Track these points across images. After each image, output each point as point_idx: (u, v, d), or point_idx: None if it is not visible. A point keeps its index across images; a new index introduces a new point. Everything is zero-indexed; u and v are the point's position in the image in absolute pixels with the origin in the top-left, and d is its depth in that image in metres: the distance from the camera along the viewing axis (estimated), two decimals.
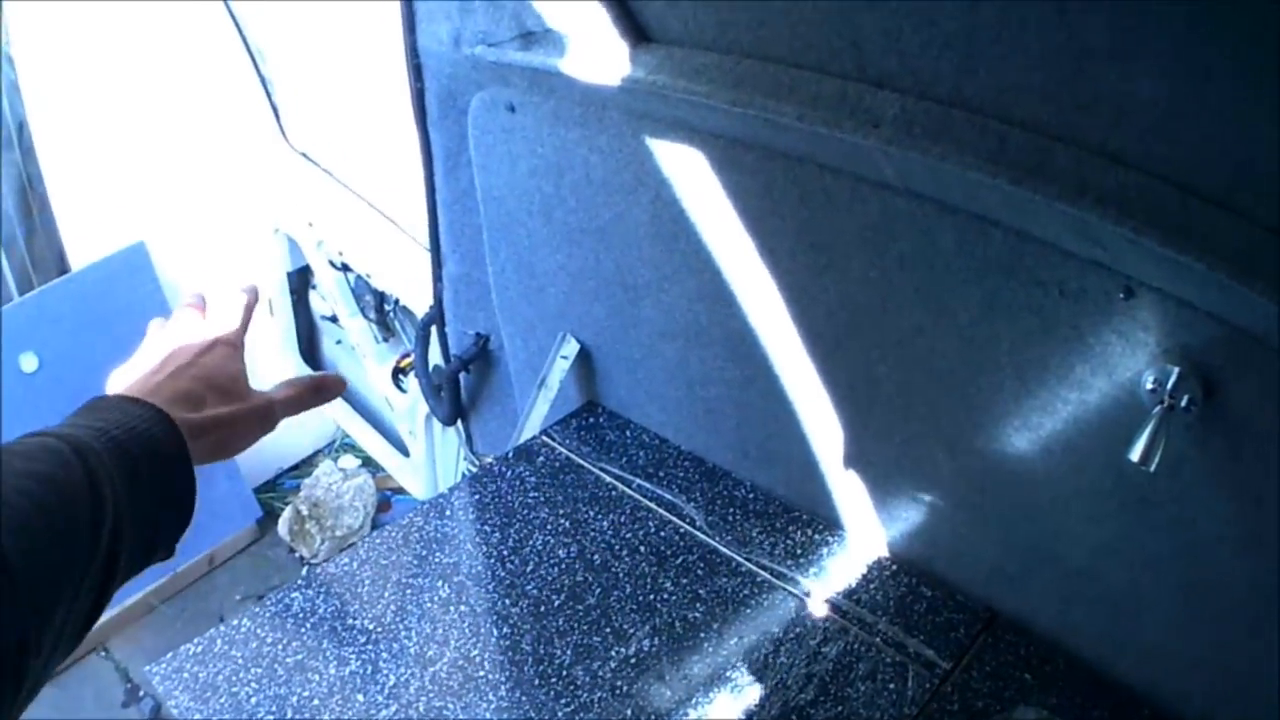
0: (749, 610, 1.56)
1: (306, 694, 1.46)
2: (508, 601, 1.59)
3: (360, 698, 1.46)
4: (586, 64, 1.46)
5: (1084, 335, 1.18)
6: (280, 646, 1.53)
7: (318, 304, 3.27)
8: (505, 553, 1.68)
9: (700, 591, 1.59)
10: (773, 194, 1.40)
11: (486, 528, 1.74)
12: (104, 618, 0.74)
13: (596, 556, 1.66)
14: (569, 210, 1.72)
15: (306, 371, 3.32)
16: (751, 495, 1.76)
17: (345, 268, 2.88)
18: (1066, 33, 0.98)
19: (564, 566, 1.64)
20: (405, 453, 3.01)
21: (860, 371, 1.48)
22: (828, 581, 1.60)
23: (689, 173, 1.48)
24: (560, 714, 1.42)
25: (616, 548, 1.67)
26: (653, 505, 1.75)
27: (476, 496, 1.82)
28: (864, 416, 1.53)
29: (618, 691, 1.44)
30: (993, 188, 1.09)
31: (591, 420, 1.97)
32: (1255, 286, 0.96)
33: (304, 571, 3.28)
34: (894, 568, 1.61)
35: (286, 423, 0.97)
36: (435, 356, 2.30)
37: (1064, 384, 1.24)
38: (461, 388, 2.29)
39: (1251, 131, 0.93)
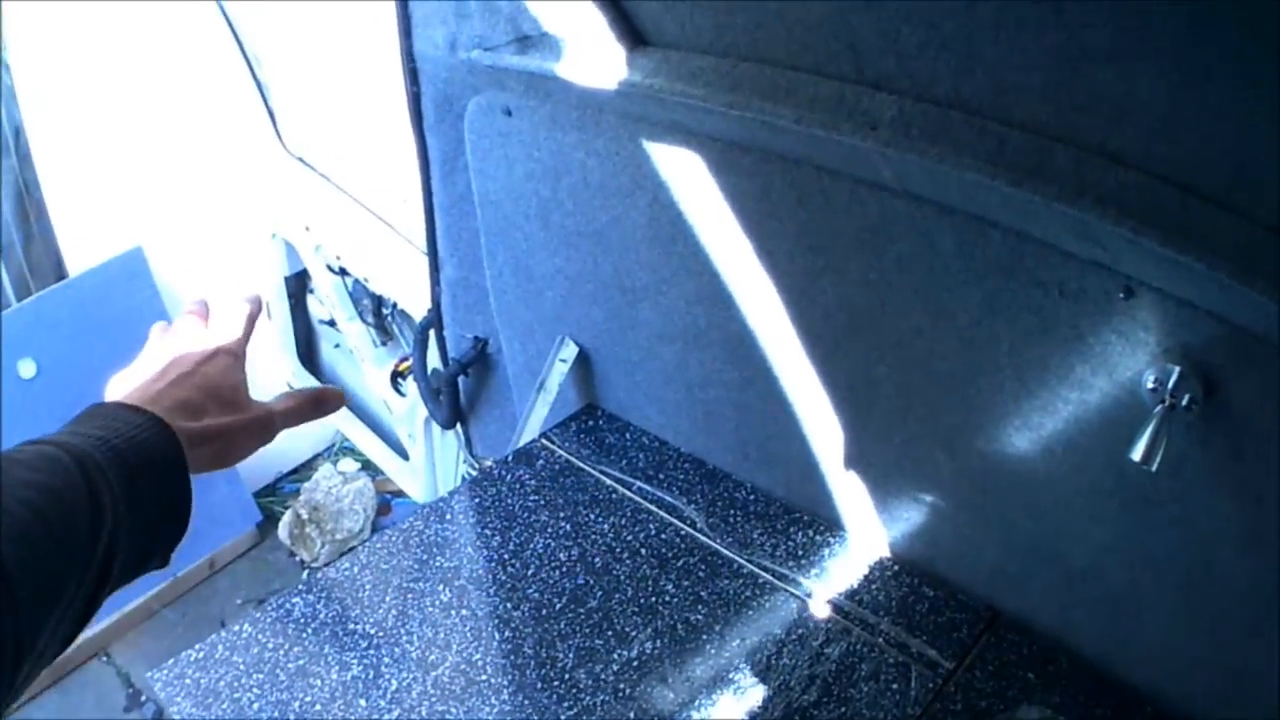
0: (751, 612, 1.56)
1: (308, 699, 1.46)
2: (509, 605, 1.59)
3: (362, 703, 1.45)
4: (583, 68, 1.46)
5: (1084, 335, 1.18)
6: (282, 652, 1.53)
7: (315, 308, 3.26)
8: (506, 556, 1.68)
9: (702, 594, 1.59)
10: (770, 196, 1.40)
11: (487, 531, 1.74)
12: (105, 623, 0.74)
13: (597, 559, 1.65)
14: (566, 214, 1.72)
15: (304, 375, 3.32)
16: (752, 497, 1.76)
17: (343, 272, 2.88)
18: (1065, 33, 0.98)
19: (565, 569, 1.64)
20: (404, 456, 3.00)
21: (860, 373, 1.48)
22: (829, 582, 1.60)
23: (686, 176, 1.48)
24: (563, 717, 1.42)
25: (617, 550, 1.67)
26: (653, 508, 1.75)
27: (476, 500, 1.81)
28: (864, 417, 1.53)
29: (620, 694, 1.44)
30: (992, 189, 1.09)
31: (591, 423, 1.97)
32: (1255, 285, 0.96)
33: (304, 576, 3.28)
34: (896, 568, 1.61)
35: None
36: (434, 360, 2.30)
37: (1064, 384, 1.24)
38: (460, 391, 2.29)
39: (1251, 131, 0.93)
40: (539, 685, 1.46)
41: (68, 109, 2.90)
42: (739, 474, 1.80)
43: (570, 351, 1.91)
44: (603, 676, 1.47)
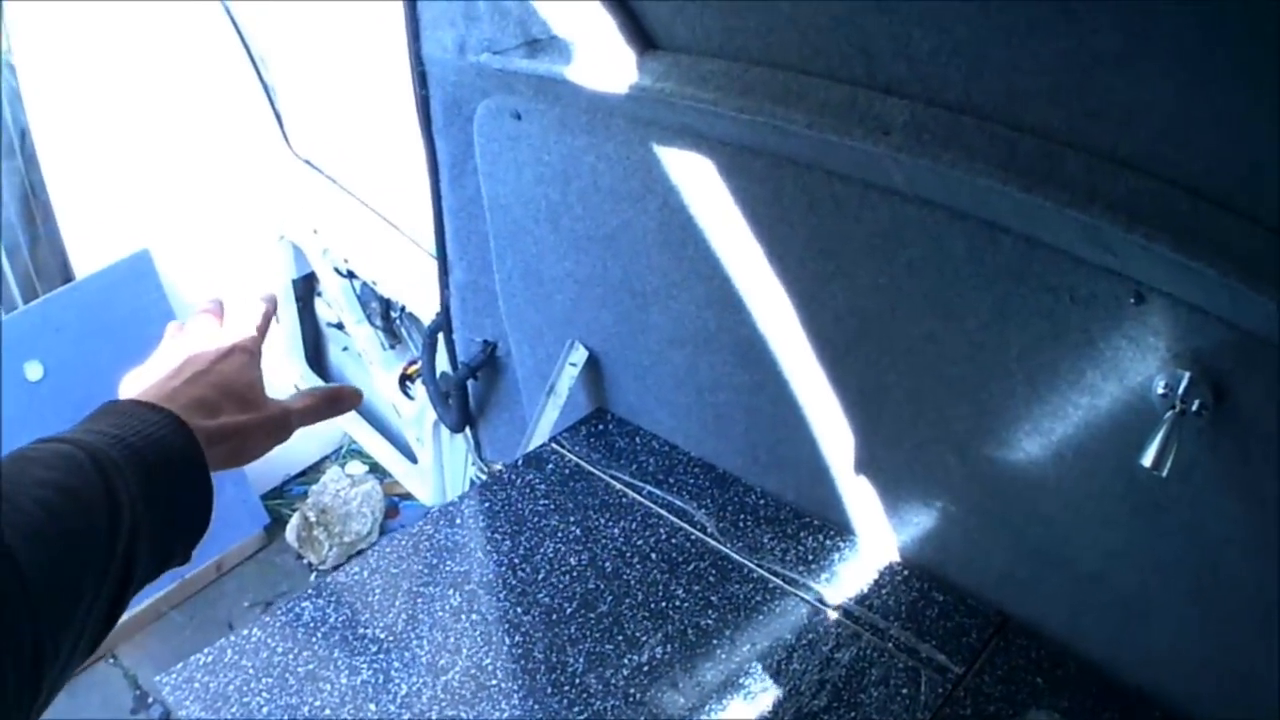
0: (761, 617, 1.56)
1: (318, 704, 1.46)
2: (519, 609, 1.59)
3: (372, 707, 1.45)
4: (593, 71, 1.46)
5: (1095, 340, 1.18)
6: (291, 656, 1.53)
7: (323, 311, 3.26)
8: (516, 560, 1.68)
9: (712, 598, 1.59)
10: (781, 201, 1.40)
11: (497, 535, 1.74)
12: None
13: (608, 564, 1.65)
14: (576, 217, 1.72)
15: (312, 378, 3.32)
16: (762, 501, 1.76)
17: (351, 274, 2.88)
18: (1075, 38, 0.98)
19: (575, 574, 1.64)
20: (413, 459, 3.00)
21: (870, 377, 1.48)
22: (839, 587, 1.60)
23: (697, 180, 1.48)
24: None
25: (628, 555, 1.67)
26: (663, 512, 1.75)
27: (486, 504, 1.82)
28: (874, 422, 1.53)
29: (631, 699, 1.44)
30: (1003, 194, 1.09)
31: (601, 427, 1.97)
32: (1266, 291, 0.96)
33: (312, 579, 3.28)
34: (905, 573, 1.61)
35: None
36: (442, 363, 2.30)
37: (1075, 389, 1.24)
38: (469, 395, 2.29)
39: (1261, 136, 0.93)
40: (549, 690, 1.46)
41: (73, 111, 2.91)
42: (749, 478, 1.80)
43: (580, 355, 1.91)
44: (613, 681, 1.47)
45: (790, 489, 1.74)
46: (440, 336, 2.24)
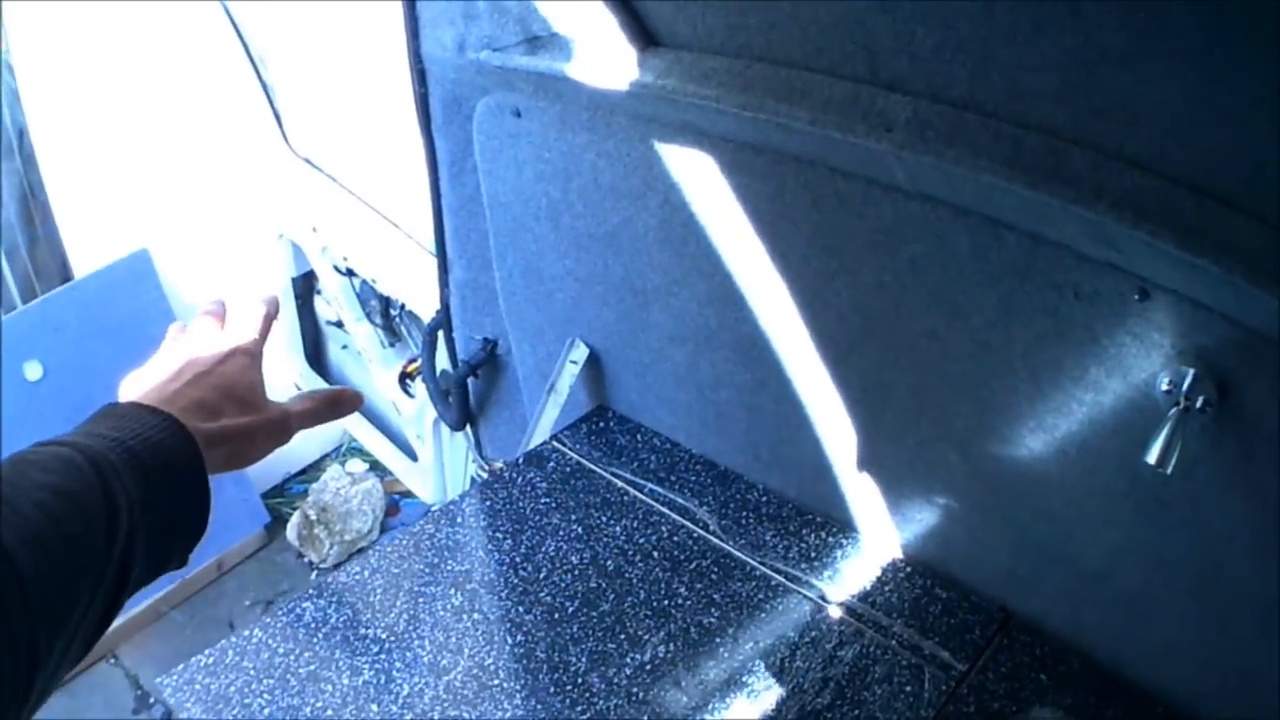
0: (764, 614, 1.55)
1: (320, 705, 1.46)
2: (521, 609, 1.59)
3: (374, 708, 1.45)
4: (593, 68, 1.45)
5: (1099, 337, 1.18)
6: (292, 657, 1.53)
7: (323, 309, 3.26)
8: (518, 559, 1.67)
9: (715, 596, 1.58)
10: (784, 198, 1.39)
11: (498, 534, 1.73)
12: (113, 625, 0.74)
13: (610, 562, 1.65)
14: (576, 215, 1.71)
15: (312, 376, 3.32)
16: (764, 499, 1.76)
17: (350, 273, 2.88)
18: (1081, 36, 0.97)
19: (577, 573, 1.64)
20: (413, 457, 3.00)
21: (873, 375, 1.48)
22: (842, 584, 1.59)
23: (698, 177, 1.48)
24: None
25: (630, 553, 1.67)
26: (665, 510, 1.75)
27: (487, 503, 1.81)
28: (876, 419, 1.53)
29: (634, 698, 1.44)
30: (1008, 191, 1.08)
31: (602, 425, 1.96)
32: (1270, 288, 0.96)
33: (313, 577, 3.28)
34: (908, 570, 1.61)
35: None
36: (442, 361, 2.30)
37: (1078, 386, 1.23)
38: (469, 393, 2.28)
39: (1266, 133, 0.93)
40: (552, 689, 1.46)
41: (72, 110, 2.90)
42: (751, 475, 1.80)
43: (581, 353, 1.91)
44: (615, 680, 1.47)
45: (792, 486, 1.74)
46: (440, 334, 2.24)
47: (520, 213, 1.81)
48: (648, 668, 1.48)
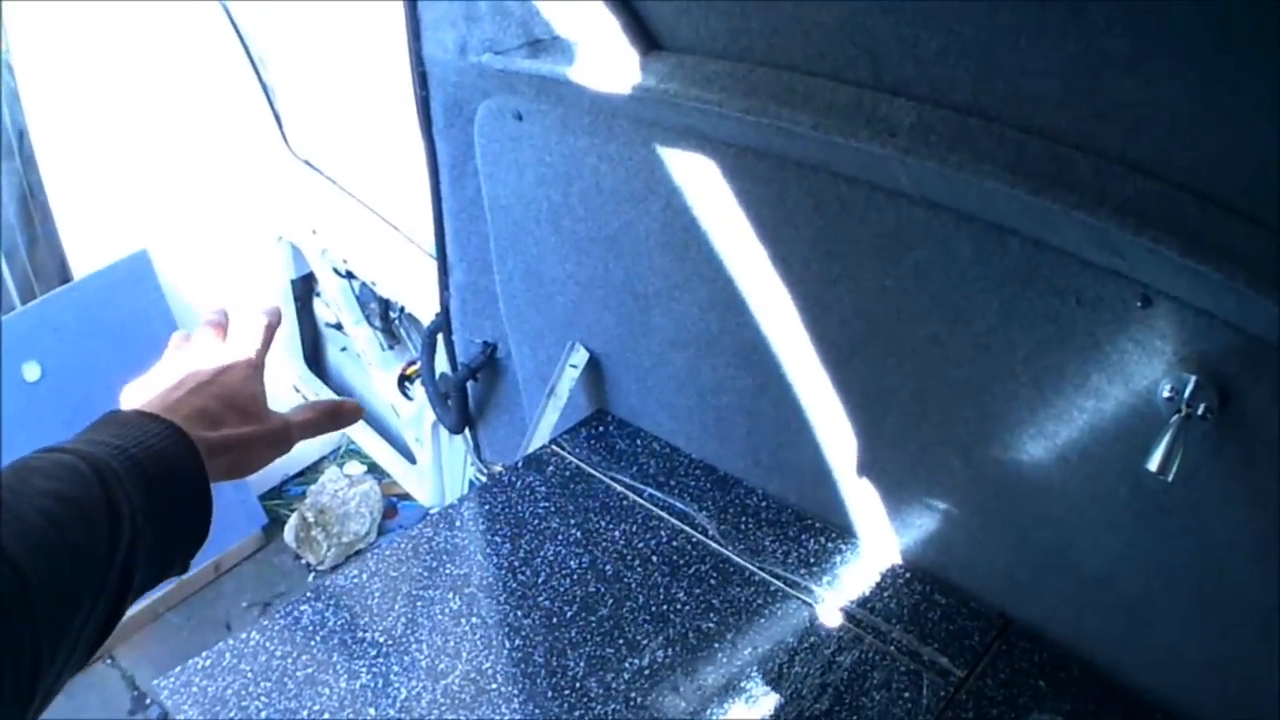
0: (763, 620, 1.55)
1: (317, 708, 1.45)
2: (519, 613, 1.58)
3: (371, 711, 1.45)
4: (596, 72, 1.45)
5: (1101, 344, 1.17)
6: (290, 660, 1.52)
7: (322, 311, 3.25)
8: (516, 564, 1.67)
9: (713, 601, 1.58)
10: (786, 202, 1.39)
11: (497, 538, 1.73)
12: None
13: (608, 567, 1.65)
14: (578, 219, 1.71)
15: (311, 379, 3.31)
16: (764, 503, 1.76)
17: (350, 275, 2.88)
18: (1084, 40, 0.97)
19: (576, 577, 1.63)
20: (412, 459, 3.00)
21: (874, 380, 1.48)
22: (841, 590, 1.59)
23: (700, 181, 1.48)
24: None
25: (629, 558, 1.66)
26: (664, 514, 1.74)
27: (486, 507, 1.81)
28: (878, 424, 1.53)
29: (632, 703, 1.44)
30: (1011, 197, 1.08)
31: (601, 429, 1.96)
32: (1273, 295, 0.96)
33: (310, 579, 3.28)
34: (907, 575, 1.61)
35: None
36: (442, 364, 2.29)
37: (1080, 392, 1.23)
38: (469, 396, 2.28)
39: (1270, 139, 0.93)
40: (550, 694, 1.46)
41: (71, 111, 2.90)
42: (751, 480, 1.80)
43: (581, 357, 1.91)
44: (614, 685, 1.46)
45: (792, 491, 1.74)
46: (440, 337, 2.24)
47: (521, 216, 1.81)
48: (646, 673, 1.48)
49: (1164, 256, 1.00)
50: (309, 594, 1.63)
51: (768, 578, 1.62)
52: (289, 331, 3.27)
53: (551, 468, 1.87)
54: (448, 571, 1.66)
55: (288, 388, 3.27)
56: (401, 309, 2.80)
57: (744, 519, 1.73)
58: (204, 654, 1.53)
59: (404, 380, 2.85)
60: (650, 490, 1.79)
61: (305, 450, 3.62)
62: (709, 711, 1.42)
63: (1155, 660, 1.39)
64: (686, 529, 1.71)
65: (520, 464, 1.89)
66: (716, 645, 1.51)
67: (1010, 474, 1.39)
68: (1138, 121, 1.00)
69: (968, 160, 1.10)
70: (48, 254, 3.17)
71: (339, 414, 1.01)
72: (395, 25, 1.74)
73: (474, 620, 1.58)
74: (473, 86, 1.71)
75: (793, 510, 1.73)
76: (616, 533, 1.71)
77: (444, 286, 2.11)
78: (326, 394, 3.27)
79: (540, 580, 1.63)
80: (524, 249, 1.86)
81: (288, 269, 3.12)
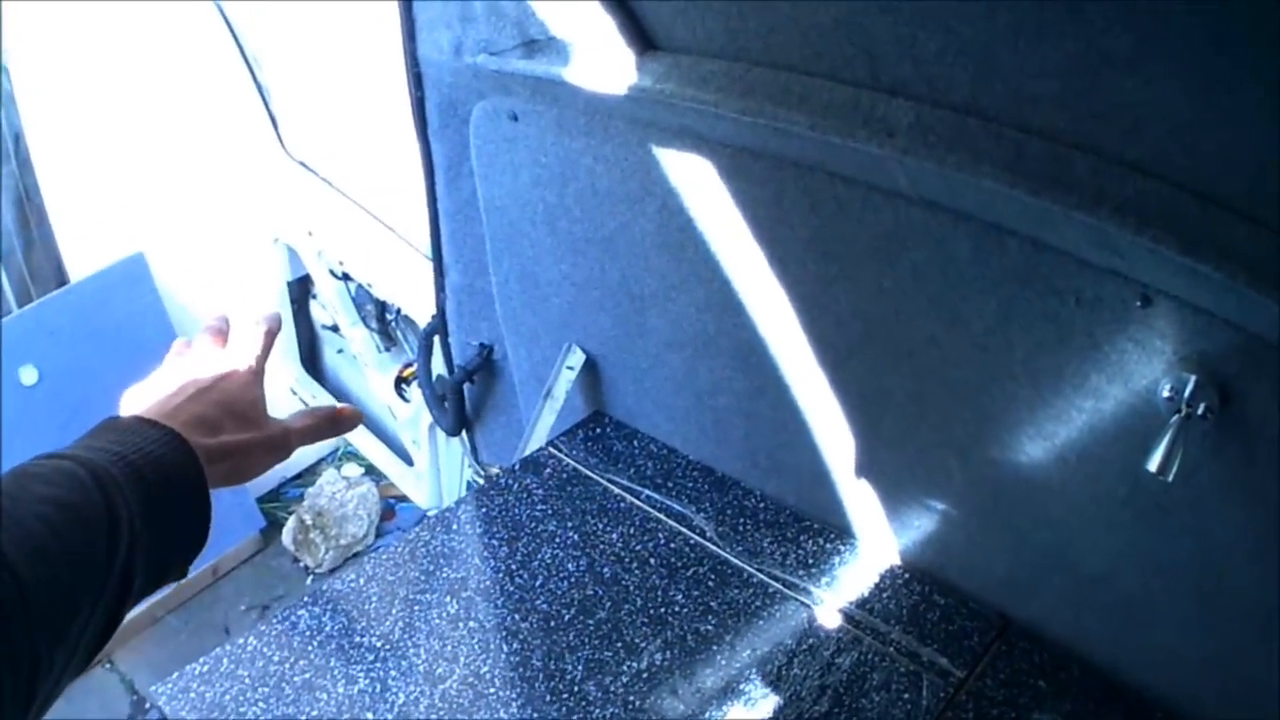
0: (761, 622, 1.55)
1: (315, 713, 1.45)
2: (517, 616, 1.58)
3: (369, 716, 1.44)
4: (591, 72, 1.44)
5: (1100, 344, 1.17)
6: (287, 665, 1.52)
7: (318, 313, 3.25)
8: (514, 567, 1.66)
9: (712, 603, 1.57)
10: (783, 203, 1.39)
11: (494, 541, 1.72)
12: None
13: (606, 569, 1.64)
14: (573, 220, 1.71)
15: (307, 381, 3.31)
16: (762, 505, 1.75)
17: (346, 277, 2.87)
18: (1084, 41, 0.97)
19: (573, 580, 1.63)
20: (409, 461, 2.99)
21: (872, 381, 1.47)
22: (840, 591, 1.59)
23: (696, 182, 1.47)
24: None
25: (626, 560, 1.66)
26: (662, 516, 1.74)
27: (483, 510, 1.80)
28: (875, 425, 1.52)
29: (630, 706, 1.43)
30: (1010, 197, 1.08)
31: (598, 430, 1.96)
32: (1272, 294, 0.96)
33: (308, 582, 3.27)
34: (906, 576, 1.60)
35: None
36: (438, 366, 2.29)
37: (1079, 393, 1.23)
38: (465, 398, 2.28)
39: (1269, 139, 0.92)
40: (548, 698, 1.45)
41: (68, 113, 2.89)
42: (749, 482, 1.79)
43: (577, 359, 1.90)
44: (612, 688, 1.46)
45: (790, 492, 1.73)
46: (436, 339, 2.23)
47: (517, 217, 1.81)
48: (644, 675, 1.47)
49: (1164, 256, 1.00)
50: (306, 599, 1.63)
51: (766, 579, 1.61)
52: (285, 334, 3.26)
53: (549, 470, 1.86)
54: (445, 575, 1.66)
55: (284, 390, 3.27)
56: (398, 311, 2.80)
57: (742, 520, 1.72)
58: (201, 659, 1.52)
59: (401, 382, 2.85)
60: (648, 492, 1.79)
61: (303, 453, 3.58)
62: (708, 714, 1.42)
63: (1155, 660, 1.38)
64: (684, 531, 1.71)
65: (517, 466, 1.89)
66: (715, 647, 1.51)
67: (1009, 474, 1.38)
68: (1137, 122, 1.00)
69: (966, 160, 1.10)
70: (44, 257, 3.16)
71: (338, 420, 1.01)
72: (390, 26, 1.74)
73: (471, 624, 1.57)
74: (468, 87, 1.70)
75: (791, 511, 1.73)
76: (614, 535, 1.71)
77: (440, 288, 2.10)
78: (323, 396, 3.27)
79: (538, 583, 1.63)
80: (520, 250, 1.85)
81: (284, 271, 3.12)
